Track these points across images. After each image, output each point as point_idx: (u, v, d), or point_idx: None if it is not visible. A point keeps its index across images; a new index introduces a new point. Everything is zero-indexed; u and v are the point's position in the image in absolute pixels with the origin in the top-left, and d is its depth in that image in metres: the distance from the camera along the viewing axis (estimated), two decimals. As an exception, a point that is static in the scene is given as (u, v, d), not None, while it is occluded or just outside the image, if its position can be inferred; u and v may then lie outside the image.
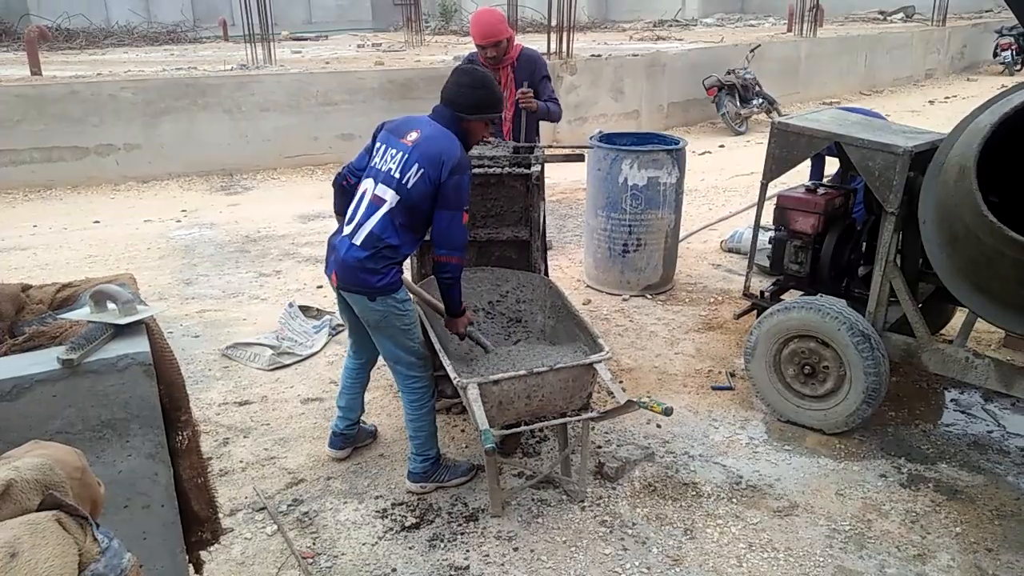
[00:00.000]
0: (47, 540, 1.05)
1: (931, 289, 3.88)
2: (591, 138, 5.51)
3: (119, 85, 8.79)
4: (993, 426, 3.82)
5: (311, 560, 2.94)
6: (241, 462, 3.57)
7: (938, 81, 17.45)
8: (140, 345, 1.81)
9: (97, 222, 7.34)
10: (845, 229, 3.99)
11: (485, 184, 3.60)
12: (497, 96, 3.12)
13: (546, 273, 4.03)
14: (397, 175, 2.96)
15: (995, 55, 18.01)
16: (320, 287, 5.66)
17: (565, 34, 10.41)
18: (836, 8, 21.25)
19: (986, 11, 21.75)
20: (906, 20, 20.80)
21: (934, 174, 3.26)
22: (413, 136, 3.00)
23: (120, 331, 1.86)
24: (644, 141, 5.49)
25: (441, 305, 3.25)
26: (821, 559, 2.91)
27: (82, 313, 1.97)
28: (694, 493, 3.29)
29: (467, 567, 2.89)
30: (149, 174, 8.85)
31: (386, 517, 3.18)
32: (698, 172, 8.65)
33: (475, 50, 4.94)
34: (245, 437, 3.78)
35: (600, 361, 2.93)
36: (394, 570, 2.88)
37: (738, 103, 11.33)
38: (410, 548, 2.99)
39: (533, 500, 3.25)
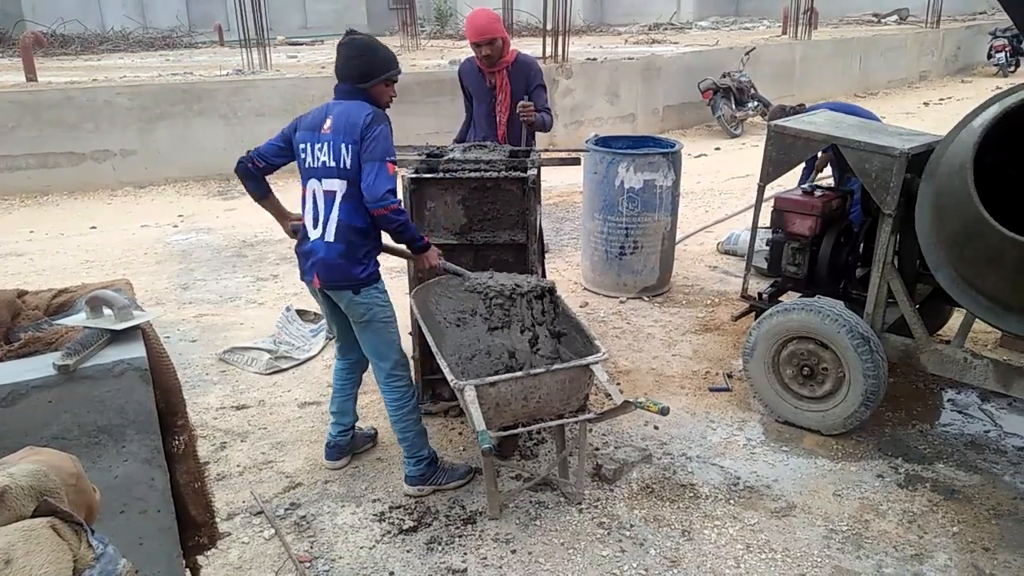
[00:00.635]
0: (41, 547, 1.05)
1: (928, 290, 3.89)
2: (587, 141, 5.52)
3: (115, 91, 8.79)
4: (990, 426, 3.82)
5: (308, 564, 2.94)
6: (238, 466, 3.57)
7: (932, 83, 17.50)
8: (136, 351, 1.80)
9: (93, 228, 7.34)
10: (842, 231, 4.00)
11: (482, 188, 3.61)
12: (383, 56, 3.08)
13: (543, 276, 4.03)
14: (334, 163, 2.99)
15: (989, 57, 18.08)
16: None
17: (560, 38, 10.43)
18: (830, 11, 21.31)
19: (980, 13, 21.84)
20: (900, 22, 20.87)
21: (931, 176, 3.26)
22: (328, 123, 3.01)
23: (116, 337, 1.85)
24: (640, 144, 5.50)
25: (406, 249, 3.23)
26: (819, 559, 2.91)
27: (78, 319, 1.97)
28: (692, 494, 3.29)
29: (465, 570, 2.88)
30: (145, 179, 8.85)
31: (384, 520, 3.17)
32: (694, 175, 8.67)
33: (470, 54, 4.94)
34: (242, 441, 3.77)
35: (597, 362, 2.92)
36: (392, 573, 2.88)
37: (733, 106, 11.36)
38: (408, 551, 2.98)
39: (531, 502, 3.24)
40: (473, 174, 3.60)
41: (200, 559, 2.25)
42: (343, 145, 2.97)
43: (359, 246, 3.04)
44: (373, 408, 4.04)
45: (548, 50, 10.49)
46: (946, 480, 3.38)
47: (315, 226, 3.09)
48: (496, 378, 2.85)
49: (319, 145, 3.03)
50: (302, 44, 18.56)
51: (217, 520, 2.25)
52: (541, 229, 4.03)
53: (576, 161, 3.99)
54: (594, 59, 11.31)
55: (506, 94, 4.69)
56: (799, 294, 4.16)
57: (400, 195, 3.13)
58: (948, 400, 4.09)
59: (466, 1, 24.14)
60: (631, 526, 3.10)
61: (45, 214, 7.86)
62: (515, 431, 3.08)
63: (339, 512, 3.24)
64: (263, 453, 3.68)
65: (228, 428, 3.88)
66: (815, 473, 3.44)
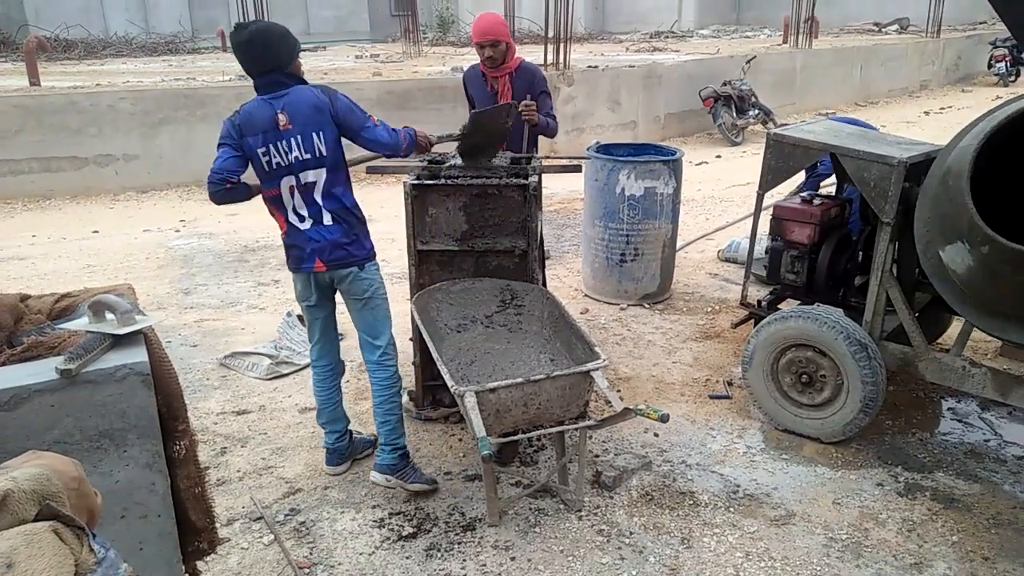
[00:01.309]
0: (43, 551, 1.06)
1: (927, 299, 3.89)
2: (588, 149, 5.54)
3: (118, 96, 8.83)
4: (990, 435, 3.83)
5: (308, 570, 2.94)
6: (238, 471, 3.57)
7: (933, 92, 17.54)
8: (138, 355, 1.81)
9: (96, 232, 7.35)
10: (841, 239, 4.01)
11: (483, 194, 3.62)
12: (282, 31, 3.06)
13: (544, 283, 4.04)
14: (309, 155, 3.02)
15: (989, 66, 18.13)
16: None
17: (562, 45, 10.47)
18: (831, 19, 21.38)
19: (980, 23, 21.89)
20: (901, 32, 20.92)
21: (930, 185, 3.27)
22: (283, 118, 2.98)
23: (118, 341, 1.86)
24: (641, 152, 5.51)
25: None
26: (818, 568, 2.91)
27: (80, 323, 1.98)
28: (691, 502, 3.29)
29: (464, 577, 2.88)
30: (148, 184, 8.88)
31: (383, 527, 3.18)
32: (695, 182, 8.68)
33: (475, 62, 4.96)
34: (242, 446, 3.78)
35: (597, 369, 2.93)
36: (391, 580, 2.88)
37: (734, 114, 11.39)
38: (407, 558, 2.98)
39: (530, 509, 3.24)
40: (475, 181, 3.61)
41: (200, 564, 2.25)
42: (313, 134, 3.00)
43: (355, 223, 3.17)
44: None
45: (550, 57, 10.53)
46: (946, 489, 3.38)
47: (301, 220, 3.11)
48: (496, 384, 2.86)
49: (284, 142, 3.01)
50: (304, 50, 18.59)
51: (217, 525, 2.25)
52: (542, 236, 4.04)
53: (577, 168, 4.01)
54: (595, 67, 11.35)
55: (508, 98, 4.72)
56: (798, 302, 4.17)
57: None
58: (948, 409, 4.09)
59: (468, 8, 24.26)
60: (630, 533, 3.10)
61: (47, 218, 7.88)
62: (515, 437, 3.09)
63: (339, 518, 3.24)
64: (263, 458, 3.68)
65: (228, 433, 3.89)
66: (815, 481, 3.44)
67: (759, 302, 4.26)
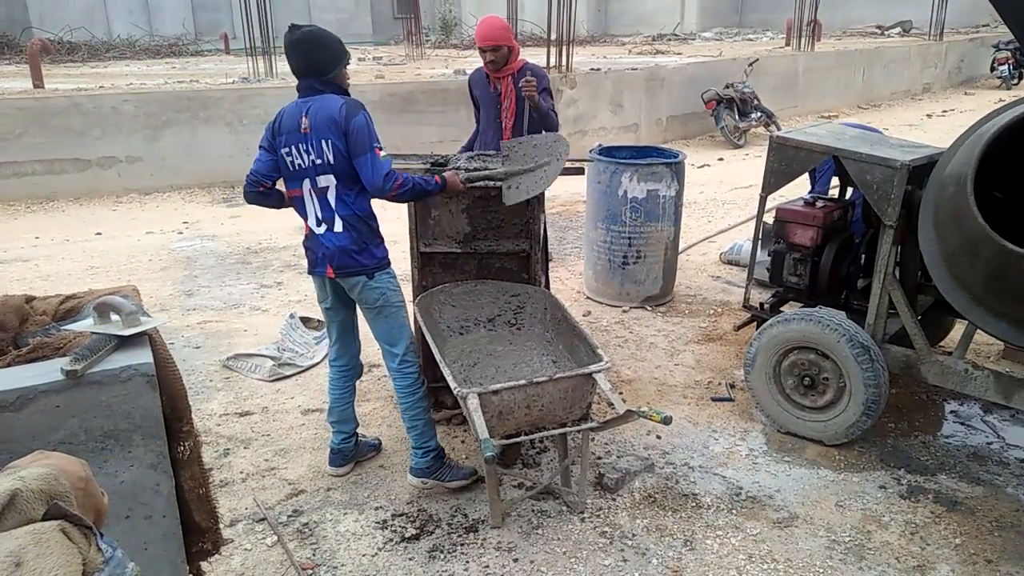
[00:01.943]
0: (51, 550, 1.06)
1: (930, 301, 3.89)
2: (591, 151, 5.54)
3: (121, 98, 8.85)
4: (993, 437, 3.82)
5: (311, 571, 2.94)
6: (241, 473, 3.58)
7: (935, 95, 17.54)
8: (143, 356, 1.82)
9: (99, 234, 7.37)
10: (844, 242, 4.01)
11: (486, 197, 3.63)
12: (338, 40, 3.12)
13: (547, 285, 4.04)
14: (319, 160, 3.04)
15: (992, 69, 18.12)
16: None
17: (565, 48, 10.47)
18: (833, 22, 21.39)
19: (983, 26, 21.88)
20: (903, 34, 20.92)
21: (933, 188, 3.28)
22: (305, 122, 3.03)
23: (123, 342, 1.87)
24: (643, 154, 5.52)
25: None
26: (821, 570, 2.91)
27: (85, 324, 1.99)
28: (694, 504, 3.29)
29: (467, 578, 2.89)
30: (151, 186, 8.89)
31: (386, 528, 3.18)
32: (697, 185, 8.69)
33: (476, 64, 4.98)
34: (245, 448, 3.79)
35: (599, 371, 2.94)
36: (394, 581, 2.88)
37: (736, 117, 11.39)
38: (410, 559, 2.99)
39: (533, 511, 3.25)
40: (478, 184, 3.61)
41: (204, 565, 2.26)
42: (323, 141, 3.02)
43: (366, 232, 3.14)
44: (376, 416, 4.05)
45: (552, 60, 10.54)
46: (949, 492, 3.38)
47: (318, 224, 3.14)
48: (499, 386, 2.86)
49: (302, 146, 3.06)
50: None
51: (220, 526, 2.26)
52: (545, 238, 4.04)
53: (580, 171, 4.01)
54: (598, 69, 11.36)
55: (511, 100, 4.74)
56: (800, 304, 4.17)
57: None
58: (951, 411, 4.09)
59: (471, 11, 24.30)
60: (633, 535, 3.10)
61: (51, 220, 7.89)
62: (518, 439, 3.09)
63: (342, 519, 3.24)
64: (266, 460, 3.69)
65: (231, 435, 3.90)
66: (817, 483, 3.44)
67: (762, 305, 4.26)
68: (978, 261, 3.07)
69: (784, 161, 3.80)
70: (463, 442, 3.78)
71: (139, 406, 1.79)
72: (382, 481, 3.51)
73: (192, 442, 2.07)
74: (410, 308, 3.66)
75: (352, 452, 3.59)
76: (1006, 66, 17.55)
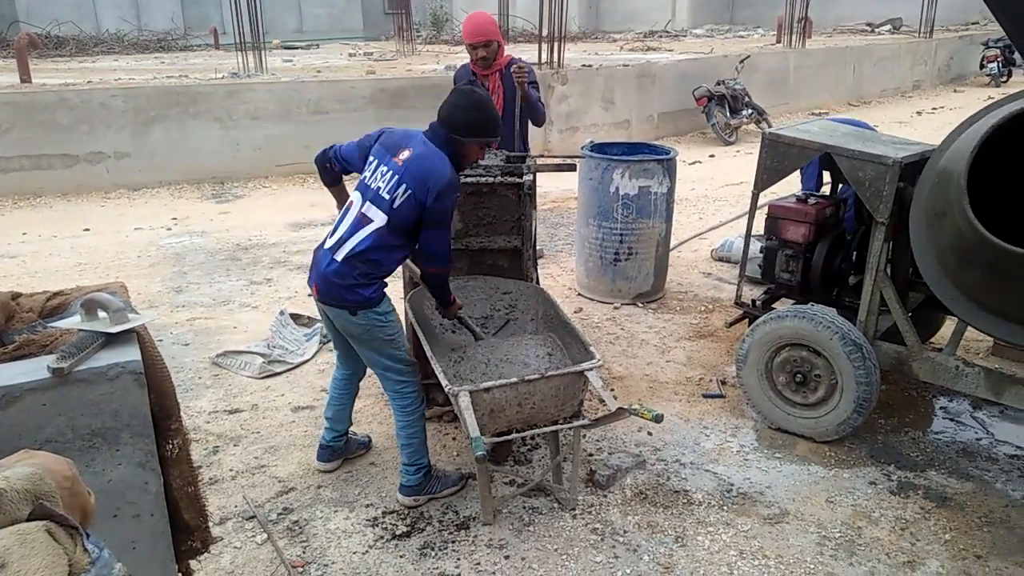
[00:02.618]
0: (36, 550, 1.05)
1: (921, 298, 3.91)
2: (582, 148, 5.54)
3: (109, 93, 8.78)
4: (982, 433, 3.84)
5: (301, 569, 2.93)
6: (231, 470, 3.55)
7: (925, 92, 17.61)
8: (131, 354, 1.80)
9: (87, 230, 7.31)
10: (836, 238, 4.02)
11: (477, 193, 3.61)
12: (494, 120, 3.07)
13: (538, 282, 4.03)
14: (386, 196, 2.94)
15: (982, 67, 18.21)
16: (311, 295, 5.64)
17: (556, 44, 10.45)
18: (824, 19, 21.43)
19: (972, 23, 22.00)
20: (894, 32, 21.00)
21: (924, 185, 3.28)
22: (405, 155, 2.97)
23: (111, 340, 1.85)
24: (635, 151, 5.51)
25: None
26: (812, 566, 2.92)
27: (73, 321, 1.97)
28: (685, 500, 3.29)
29: (458, 575, 2.88)
30: (139, 182, 8.84)
31: (377, 526, 3.17)
32: (688, 182, 8.69)
33: (466, 60, 4.97)
34: (235, 445, 3.76)
35: (591, 369, 2.93)
36: (385, 579, 2.87)
37: (728, 113, 11.40)
38: (401, 557, 2.98)
39: (524, 508, 3.24)
40: (469, 179, 3.60)
41: (193, 563, 2.24)
42: (404, 186, 2.92)
43: (363, 275, 2.98)
44: (367, 412, 4.03)
45: (544, 56, 10.52)
46: (938, 487, 3.39)
47: (333, 235, 3.06)
48: (491, 384, 2.85)
49: (385, 169, 2.99)
50: (297, 48, 18.59)
51: (210, 524, 2.24)
52: (536, 235, 4.04)
53: (572, 167, 4.01)
54: (589, 66, 11.35)
55: (499, 96, 4.74)
56: (792, 301, 4.17)
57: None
58: (940, 408, 4.11)
59: (462, 7, 24.25)
60: (625, 532, 3.10)
61: (38, 216, 7.83)
62: (509, 437, 3.08)
63: (332, 517, 3.23)
64: (256, 457, 3.67)
65: (221, 432, 3.87)
66: (808, 480, 3.45)
67: (753, 301, 4.26)
68: (969, 258, 3.08)
69: (776, 158, 3.80)
70: (454, 439, 3.77)
71: (127, 404, 1.77)
72: (372, 479, 3.49)
73: (181, 440, 2.04)
74: (401, 305, 3.65)
75: (341, 450, 3.58)
76: (995, 63, 17.64)
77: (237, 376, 4.48)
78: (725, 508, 3.25)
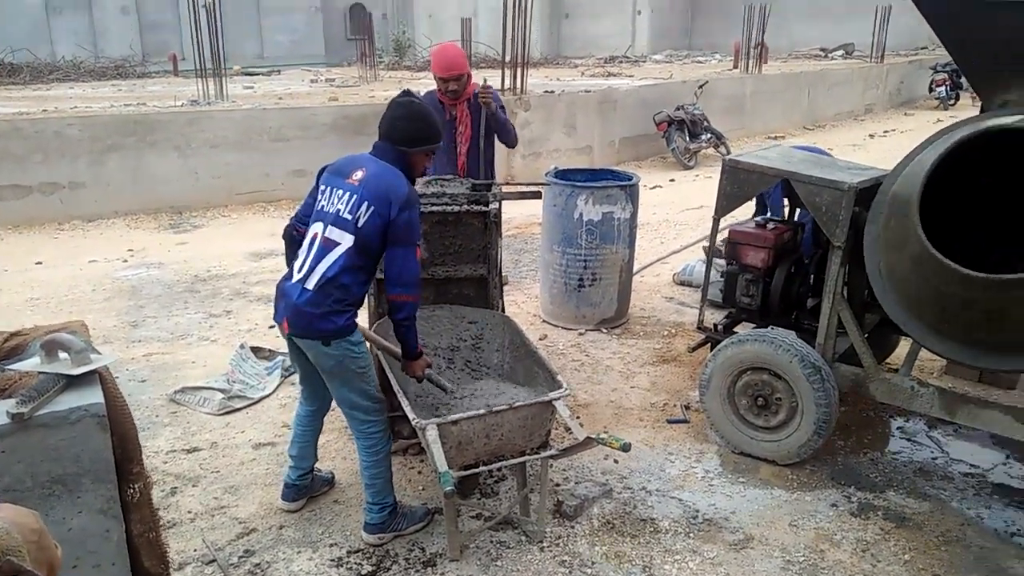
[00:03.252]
0: None
1: (876, 320, 4.00)
2: (546, 174, 5.59)
3: (65, 121, 8.64)
4: (938, 453, 3.93)
5: (267, 610, 2.87)
6: (190, 512, 3.46)
7: (877, 116, 18.12)
8: (94, 396, 1.76)
9: (39, 263, 7.14)
10: (794, 263, 4.11)
11: (443, 222, 3.63)
12: (435, 126, 3.12)
13: (503, 309, 4.05)
14: (348, 216, 2.93)
15: (931, 90, 18.83)
16: (272, 327, 5.58)
17: (519, 70, 10.57)
18: (779, 45, 22.00)
19: (921, 48, 22.74)
20: (846, 57, 21.63)
21: (878, 209, 3.38)
22: (359, 175, 2.97)
23: (72, 381, 1.81)
24: (598, 177, 5.58)
25: (398, 349, 3.21)
26: (778, 591, 2.95)
27: (32, 363, 1.93)
28: (652, 529, 3.31)
29: (427, 612, 2.85)
30: (95, 213, 8.67)
31: (341, 566, 3.11)
32: (649, 206, 8.80)
33: (429, 87, 5.00)
34: (194, 486, 3.68)
35: (559, 398, 2.94)
36: (352, 618, 2.83)
37: (687, 138, 11.61)
38: (368, 595, 2.94)
39: (492, 542, 3.22)
40: (435, 208, 3.61)
41: (154, 611, 2.19)
42: (365, 203, 2.91)
43: (337, 301, 2.94)
44: (330, 448, 3.98)
45: (507, 82, 10.63)
46: (897, 508, 3.46)
47: (300, 269, 3.01)
48: (458, 416, 2.85)
49: (341, 192, 2.98)
50: (258, 74, 18.51)
51: (170, 571, 2.20)
52: (500, 262, 4.05)
53: (537, 195, 4.05)
54: (552, 92, 11.49)
55: (466, 125, 4.77)
56: (753, 325, 4.24)
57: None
58: (897, 427, 4.20)
59: (424, 32, 24.42)
60: (592, 563, 3.10)
61: (-12, 250, 7.64)
62: (477, 470, 3.07)
63: (295, 558, 3.17)
64: (215, 498, 3.59)
65: (179, 472, 3.78)
66: (771, 504, 3.49)
67: (715, 326, 4.33)
68: (921, 280, 3.17)
69: (736, 184, 3.88)
70: (420, 472, 3.75)
71: (89, 449, 1.74)
72: (336, 517, 3.44)
73: (143, 484, 2.01)
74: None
75: (306, 488, 3.51)
76: (943, 87, 18.28)
77: (196, 413, 4.39)
78: (691, 535, 3.27)
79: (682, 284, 6.34)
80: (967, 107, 17.94)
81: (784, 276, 4.05)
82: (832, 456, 3.85)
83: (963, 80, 17.61)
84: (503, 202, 3.96)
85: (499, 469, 3.57)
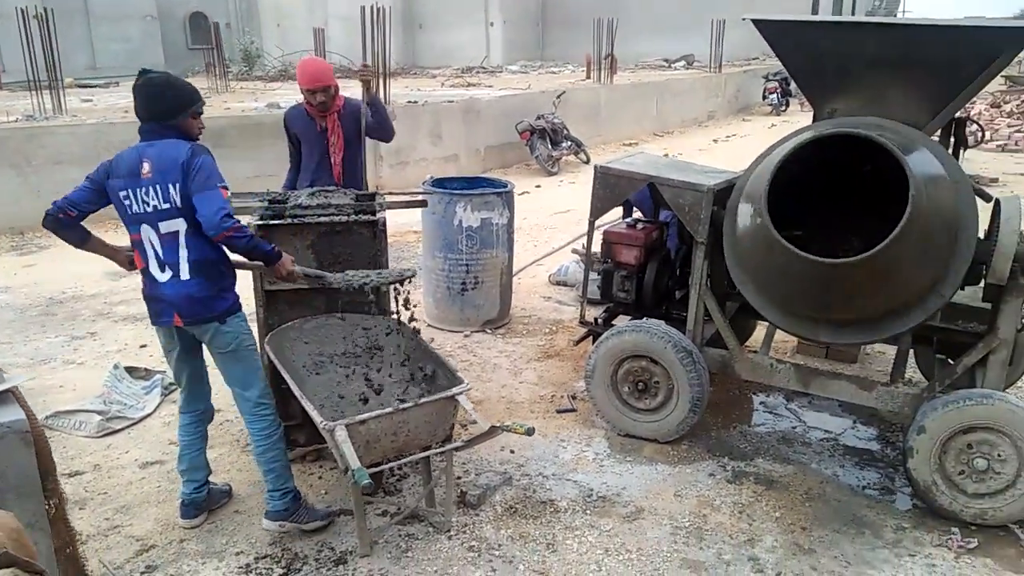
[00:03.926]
0: None
1: (735, 307, 4.40)
2: (423, 183, 5.71)
3: None
4: (796, 422, 4.38)
5: (177, 627, 2.83)
6: (81, 535, 3.32)
7: (719, 122, 19.45)
8: (14, 413, 1.74)
9: None
10: (662, 259, 4.44)
11: (331, 232, 3.67)
12: (185, 89, 3.11)
13: (398, 317, 4.12)
14: (167, 205, 2.99)
15: (764, 97, 20.45)
16: (144, 346, 5.38)
17: (381, 80, 10.59)
18: (626, 56, 23.09)
19: (754, 59, 24.60)
20: (688, 67, 23.05)
21: (733, 207, 3.74)
22: (147, 167, 2.98)
23: (-15, 400, 1.77)
24: (474, 185, 5.76)
25: (259, 263, 3.23)
26: (668, 554, 3.22)
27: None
28: (552, 509, 3.51)
29: (343, 610, 2.90)
30: (-77, 237, 7.95)
31: (250, 572, 3.11)
32: (520, 212, 8.98)
33: (283, 98, 4.99)
34: (81, 509, 3.53)
35: (461, 392, 3.08)
36: (268, 624, 2.84)
37: (549, 146, 12.04)
38: (282, 600, 2.95)
39: (400, 535, 3.31)
40: (323, 219, 3.65)
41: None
42: (169, 185, 2.97)
43: (217, 277, 3.10)
44: (223, 461, 3.92)
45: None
46: (766, 472, 3.84)
47: (162, 270, 3.05)
48: (366, 415, 2.92)
49: (143, 190, 2.98)
50: (95, 86, 17.41)
51: (89, 586, 2.16)
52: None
53: (423, 203, 4.16)
54: (415, 102, 11.59)
55: (339, 136, 4.79)
56: (629, 317, 4.55)
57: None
58: (760, 403, 4.63)
59: (275, 43, 23.79)
60: (499, 546, 3.26)
61: None
62: (383, 467, 3.15)
63: (201, 570, 3.13)
64: (107, 519, 3.47)
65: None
66: (657, 478, 3.78)
67: (596, 319, 4.61)
68: (772, 268, 3.54)
69: (608, 188, 4.17)
70: (320, 478, 3.77)
71: (13, 464, 1.71)
72: (239, 526, 3.42)
73: (57, 499, 1.98)
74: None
75: (204, 502, 3.47)
76: (775, 95, 19.90)
77: (72, 437, 4.19)
78: (588, 512, 3.50)
79: (558, 284, 6.64)
80: (797, 112, 19.66)
81: (655, 271, 4.37)
82: (706, 432, 4.21)
83: (792, 87, 19.31)
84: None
85: (400, 468, 3.67)
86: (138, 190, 2.98)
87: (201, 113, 3.19)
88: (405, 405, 2.98)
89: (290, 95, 13.83)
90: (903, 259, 3.12)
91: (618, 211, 4.63)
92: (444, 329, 5.66)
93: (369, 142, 4.84)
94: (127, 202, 3.01)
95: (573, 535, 3.33)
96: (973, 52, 3.31)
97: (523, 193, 10.50)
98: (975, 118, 14.49)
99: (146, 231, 3.03)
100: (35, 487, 1.77)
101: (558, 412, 4.42)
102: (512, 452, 3.97)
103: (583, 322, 4.61)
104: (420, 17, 27.63)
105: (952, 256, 3.26)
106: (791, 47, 3.73)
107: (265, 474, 3.28)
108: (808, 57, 3.70)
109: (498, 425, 3.05)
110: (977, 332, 3.71)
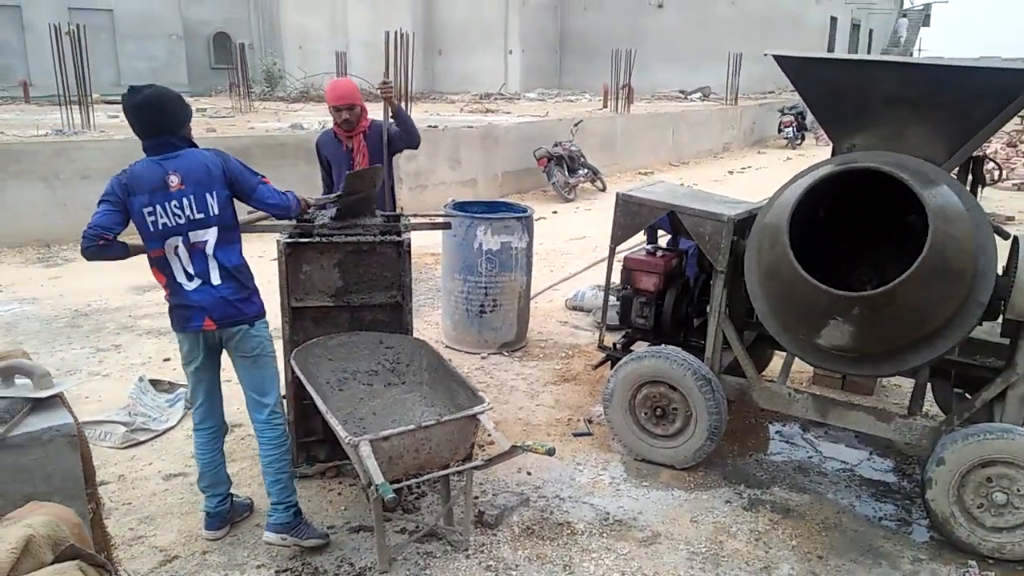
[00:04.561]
0: None
1: (754, 336, 4.44)
2: (446, 207, 5.81)
3: (-84, 151, 8.05)
4: (812, 452, 4.40)
5: (199, 636, 2.86)
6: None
7: (734, 153, 19.56)
8: (63, 417, 1.81)
9: None
10: (682, 286, 4.50)
11: (358, 251, 3.75)
12: (180, 98, 3.18)
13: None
14: (202, 215, 3.08)
15: (779, 131, 20.59)
16: (167, 360, 5.46)
17: (403, 103, 10.76)
18: (643, 87, 23.33)
19: (770, 92, 24.77)
20: (704, 99, 23.23)
21: (754, 238, 3.80)
22: (175, 179, 3.04)
23: (36, 405, 1.84)
24: (494, 209, 5.86)
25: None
26: (685, 580, 3.24)
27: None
28: (569, 531, 3.54)
29: (362, 625, 2.93)
30: (-48, 249, 8.10)
31: (272, 586, 3.16)
32: (537, 237, 9.09)
33: (312, 118, 5.11)
34: (106, 519, 3.56)
35: (483, 412, 3.13)
36: (288, 636, 2.87)
37: (566, 173, 12.17)
38: (302, 613, 2.99)
39: (419, 553, 3.35)
40: (349, 238, 3.74)
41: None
42: (206, 194, 3.07)
43: (245, 281, 3.24)
44: (245, 476, 3.98)
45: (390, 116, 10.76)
46: (782, 501, 3.86)
47: (190, 279, 3.14)
48: (390, 432, 2.97)
49: (173, 202, 3.04)
50: (120, 103, 17.70)
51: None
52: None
53: (447, 225, 4.25)
54: (435, 126, 11.75)
55: (364, 155, 4.92)
56: (647, 343, 4.60)
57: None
58: (776, 432, 4.65)
59: (297, 64, 24.17)
60: (516, 566, 3.28)
61: None
62: (405, 483, 3.20)
63: (223, 582, 3.18)
64: (131, 529, 3.52)
65: (89, 506, 3.68)
66: (673, 503, 3.80)
67: (614, 345, 4.66)
68: (792, 298, 3.58)
69: (629, 216, 4.24)
70: (340, 494, 3.81)
71: (59, 467, 1.77)
72: (260, 539, 3.45)
73: (95, 504, 2.04)
74: (281, 364, 3.68)
75: (227, 515, 3.52)
76: (791, 128, 20.06)
77: (98, 447, 4.25)
78: (605, 535, 3.52)
79: (575, 309, 6.69)
80: (812, 146, 19.76)
81: (673, 298, 4.43)
82: (723, 459, 4.23)
83: (807, 122, 19.42)
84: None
85: (418, 486, 3.71)
86: (167, 203, 3.03)
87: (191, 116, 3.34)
88: (428, 423, 3.03)
89: (312, 116, 14.05)
90: (922, 292, 3.16)
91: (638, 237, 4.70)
92: (461, 351, 5.71)
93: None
94: (151, 217, 3.04)
95: (590, 557, 3.36)
96: (990, 93, 3.37)
97: (540, 219, 10.58)
98: (992, 156, 14.54)
99: (172, 244, 3.08)
100: (80, 489, 1.83)
101: (574, 435, 4.46)
102: (529, 474, 4.01)
103: (602, 347, 4.66)
104: (440, 43, 28.01)
105: (971, 290, 3.30)
106: (812, 83, 3.80)
107: (271, 485, 3.32)
108: (828, 93, 3.76)
109: (519, 445, 3.09)
110: (995, 367, 3.74)
